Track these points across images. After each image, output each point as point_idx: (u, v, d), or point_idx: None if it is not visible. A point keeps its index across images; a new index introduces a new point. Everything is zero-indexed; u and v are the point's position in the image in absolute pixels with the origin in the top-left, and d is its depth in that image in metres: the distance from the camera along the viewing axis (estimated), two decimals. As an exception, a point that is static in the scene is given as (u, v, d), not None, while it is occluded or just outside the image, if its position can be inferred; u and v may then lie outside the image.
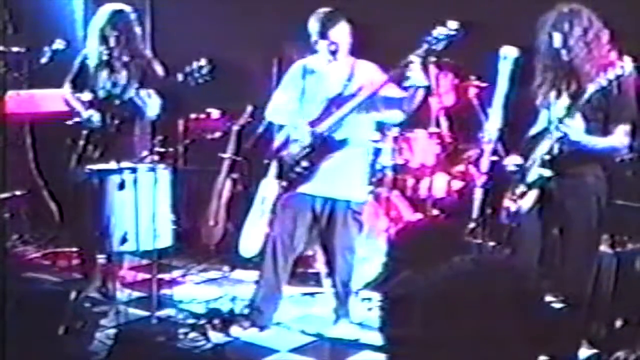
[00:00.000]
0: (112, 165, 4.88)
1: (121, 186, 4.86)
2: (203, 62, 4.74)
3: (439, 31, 4.23)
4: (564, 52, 3.87)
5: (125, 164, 4.87)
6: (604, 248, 4.29)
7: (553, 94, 3.95)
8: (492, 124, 4.59)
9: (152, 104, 5.08)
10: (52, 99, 5.72)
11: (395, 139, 5.48)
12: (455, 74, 5.60)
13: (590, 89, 3.71)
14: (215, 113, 6.34)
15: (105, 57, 5.14)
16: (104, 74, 5.17)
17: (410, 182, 5.67)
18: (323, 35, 4.59)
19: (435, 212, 5.56)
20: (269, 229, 4.81)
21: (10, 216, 6.43)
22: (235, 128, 6.19)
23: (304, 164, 4.61)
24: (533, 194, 3.95)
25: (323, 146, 4.60)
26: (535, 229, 4.03)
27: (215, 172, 6.29)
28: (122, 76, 5.14)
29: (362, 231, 4.88)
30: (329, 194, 4.66)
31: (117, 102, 5.08)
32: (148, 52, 5.44)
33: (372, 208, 5.41)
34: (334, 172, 4.63)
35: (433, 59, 5.49)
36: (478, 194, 4.85)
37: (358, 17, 4.73)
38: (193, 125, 6.42)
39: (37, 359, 3.42)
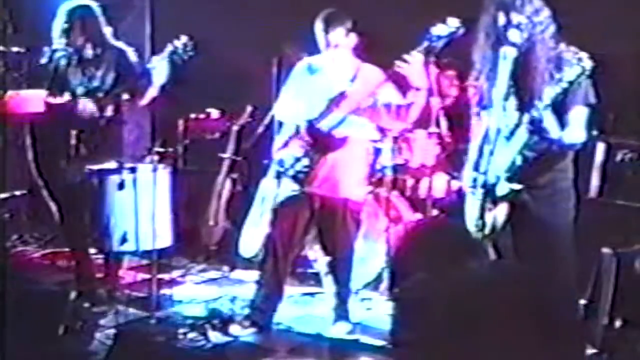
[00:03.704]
0: (112, 165, 4.88)
1: (121, 186, 4.86)
2: (184, 39, 4.76)
3: (439, 28, 4.22)
4: (511, 32, 3.57)
5: (125, 164, 4.87)
6: (603, 248, 4.29)
7: (497, 92, 3.72)
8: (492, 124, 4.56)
9: (159, 74, 4.95)
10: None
11: (395, 139, 5.47)
12: (455, 73, 5.60)
13: (551, 92, 3.46)
14: (215, 113, 6.34)
15: (74, 54, 5.06)
16: (77, 71, 5.08)
17: (410, 182, 5.67)
18: (326, 34, 4.64)
19: (435, 212, 5.55)
20: (269, 228, 4.82)
21: (10, 216, 6.43)
22: (235, 128, 6.20)
23: (304, 162, 4.63)
24: (503, 208, 3.73)
25: (322, 145, 4.61)
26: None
27: (215, 172, 6.29)
28: (97, 70, 5.07)
29: (360, 230, 4.87)
30: (327, 193, 4.67)
31: (100, 95, 5.03)
32: (119, 43, 5.23)
33: (371, 208, 5.41)
34: (332, 171, 4.64)
35: (433, 58, 5.52)
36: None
37: (362, 17, 4.75)
38: (193, 125, 6.41)
39: (37, 359, 3.41)
